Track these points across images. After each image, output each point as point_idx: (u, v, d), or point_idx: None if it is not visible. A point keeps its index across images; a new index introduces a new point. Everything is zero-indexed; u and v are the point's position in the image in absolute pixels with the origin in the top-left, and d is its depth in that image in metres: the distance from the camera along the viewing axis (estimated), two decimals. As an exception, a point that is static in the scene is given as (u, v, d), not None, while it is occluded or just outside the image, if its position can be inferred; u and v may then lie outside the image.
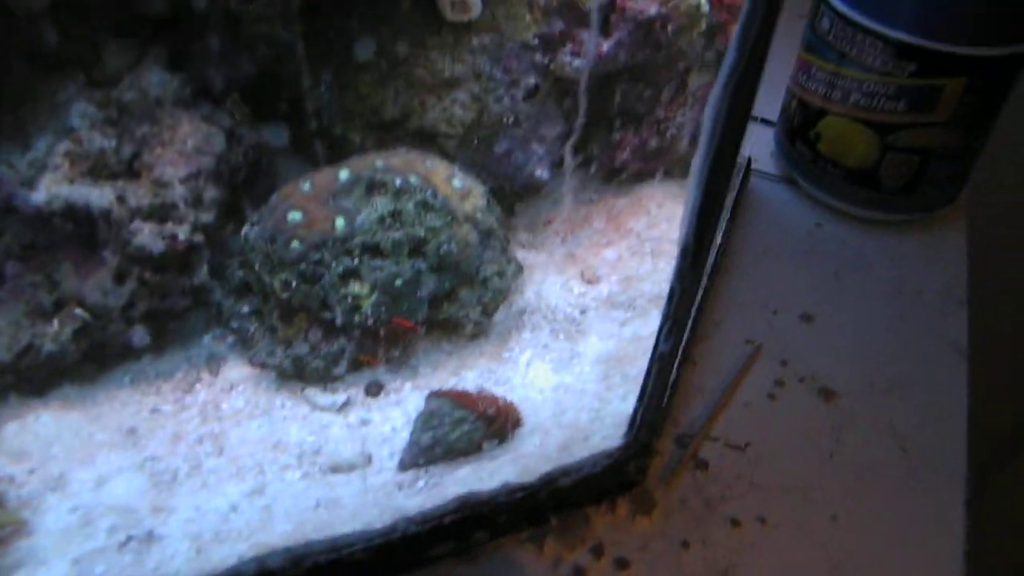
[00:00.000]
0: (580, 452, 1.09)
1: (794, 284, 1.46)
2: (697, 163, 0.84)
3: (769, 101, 1.68)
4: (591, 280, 1.39)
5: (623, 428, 1.10)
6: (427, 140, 1.38)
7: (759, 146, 1.70)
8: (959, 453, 1.20)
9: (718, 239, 1.47)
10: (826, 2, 1.42)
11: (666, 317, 0.98)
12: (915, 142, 1.44)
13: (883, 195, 1.52)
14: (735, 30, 0.76)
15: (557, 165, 1.44)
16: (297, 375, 1.22)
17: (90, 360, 1.20)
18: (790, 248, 1.53)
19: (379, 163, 1.22)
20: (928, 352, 1.35)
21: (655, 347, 1.01)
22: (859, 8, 1.37)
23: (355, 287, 1.18)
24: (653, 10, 1.36)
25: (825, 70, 1.46)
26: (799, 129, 1.56)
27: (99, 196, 1.14)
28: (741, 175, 1.60)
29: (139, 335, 1.20)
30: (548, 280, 1.39)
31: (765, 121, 1.72)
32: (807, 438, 1.22)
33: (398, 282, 1.17)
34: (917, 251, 1.54)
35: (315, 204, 1.19)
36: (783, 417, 1.25)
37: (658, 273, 1.40)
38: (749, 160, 1.63)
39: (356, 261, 1.17)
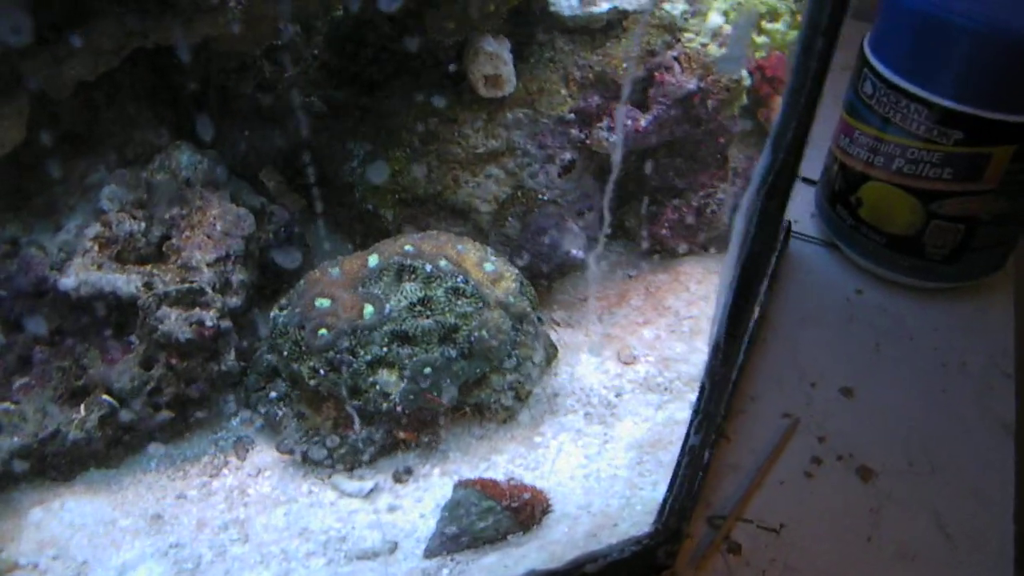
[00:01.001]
0: (608, 539, 1.07)
1: (833, 355, 1.41)
2: (729, 263, 0.82)
3: (812, 158, 1.63)
4: (628, 360, 1.36)
5: (653, 515, 1.07)
6: (460, 216, 1.36)
7: (800, 207, 1.65)
8: (1006, 536, 1.15)
9: (756, 311, 1.43)
10: (869, 65, 1.37)
11: (696, 412, 0.95)
12: (961, 210, 1.39)
13: (927, 263, 1.46)
14: (771, 128, 0.74)
15: (594, 242, 1.41)
16: (324, 462, 1.20)
17: (116, 445, 1.19)
18: (830, 316, 1.48)
19: (409, 247, 1.20)
20: (972, 428, 1.29)
21: (685, 439, 0.99)
22: (903, 73, 1.32)
23: (384, 375, 1.15)
24: (692, 85, 1.34)
25: (868, 135, 1.41)
26: (840, 193, 1.52)
27: (126, 283, 1.13)
28: (781, 238, 1.56)
29: (165, 420, 1.18)
30: (583, 361, 1.36)
31: (807, 180, 1.67)
32: (845, 520, 1.17)
33: (427, 370, 1.15)
34: (961, 320, 1.48)
35: (343, 291, 1.17)
36: (820, 497, 1.20)
37: (696, 354, 1.36)
38: (789, 223, 1.59)
39: (385, 349, 1.15)
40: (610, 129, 1.34)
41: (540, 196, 1.35)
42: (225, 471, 1.22)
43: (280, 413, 1.22)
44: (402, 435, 1.20)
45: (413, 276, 1.18)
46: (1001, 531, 1.15)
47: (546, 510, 1.13)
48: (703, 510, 1.17)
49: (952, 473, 1.23)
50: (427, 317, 1.16)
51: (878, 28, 1.38)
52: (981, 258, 1.46)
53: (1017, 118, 1.27)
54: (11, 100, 1.06)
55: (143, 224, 1.17)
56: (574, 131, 1.35)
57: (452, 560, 1.09)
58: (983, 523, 1.16)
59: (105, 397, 1.14)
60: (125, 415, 1.14)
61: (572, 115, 1.34)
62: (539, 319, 1.29)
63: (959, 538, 1.15)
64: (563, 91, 1.34)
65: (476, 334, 1.17)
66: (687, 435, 0.98)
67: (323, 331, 1.15)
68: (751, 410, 1.32)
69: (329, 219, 1.42)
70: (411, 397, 1.15)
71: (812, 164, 1.64)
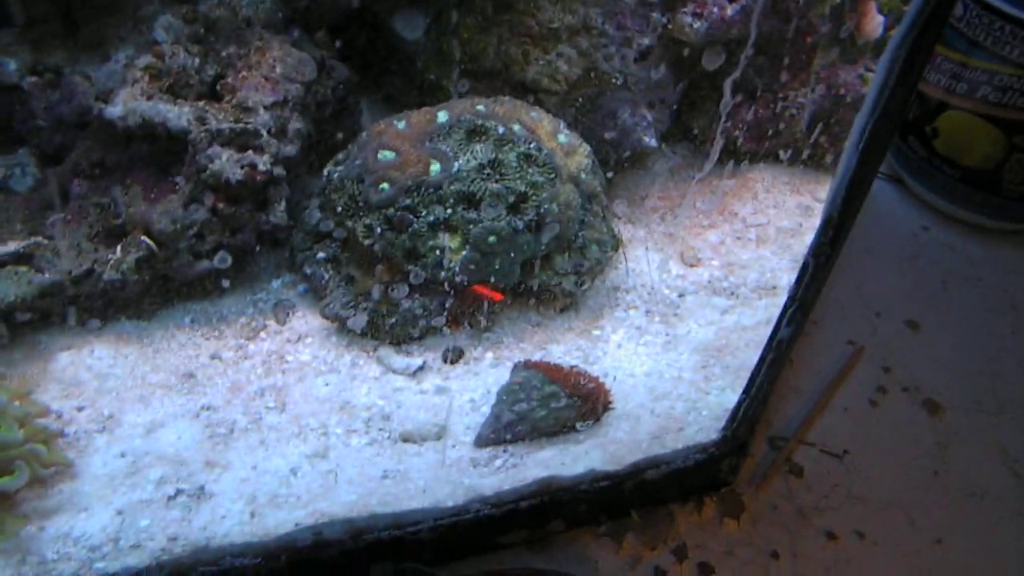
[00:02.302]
0: (673, 443, 1.00)
1: (899, 288, 1.35)
2: (859, 121, 0.75)
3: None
4: (691, 263, 1.28)
5: (721, 422, 1.01)
6: (527, 94, 1.28)
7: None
8: (1079, 481, 1.09)
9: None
10: (961, -16, 1.29)
11: (792, 299, 0.88)
12: (1046, 143, 1.32)
13: (1002, 199, 1.39)
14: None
15: (664, 137, 1.34)
16: (372, 332, 1.12)
17: (151, 294, 1.11)
18: (895, 250, 1.42)
19: (481, 107, 1.12)
20: (1043, 372, 1.24)
21: (774, 332, 0.91)
22: None
23: (445, 239, 1.07)
24: (785, -26, 1.26)
25: (951, 60, 1.33)
26: (914, 123, 1.44)
27: (177, 115, 1.05)
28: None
29: (206, 270, 1.10)
30: (645, 258, 1.28)
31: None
32: (910, 452, 1.12)
33: (492, 239, 1.07)
34: (1034, 264, 1.42)
35: (409, 145, 1.08)
36: (884, 427, 1.15)
37: (763, 261, 1.29)
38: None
39: (449, 211, 1.07)
40: (695, 15, 1.26)
41: (613, 80, 1.26)
42: (263, 335, 1.14)
43: (327, 275, 1.14)
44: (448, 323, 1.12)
45: (484, 137, 1.10)
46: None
47: (607, 406, 1.06)
48: (764, 429, 1.12)
49: (1022, 414, 1.18)
50: (496, 181, 1.08)
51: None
52: (1062, 199, 1.39)
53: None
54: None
55: (198, 60, 1.09)
56: (655, 15, 1.27)
57: (505, 451, 1.02)
58: (1053, 466, 1.11)
59: (144, 238, 1.06)
60: (163, 259, 1.06)
61: (655, -3, 1.26)
62: (607, 204, 1.21)
63: (1029, 480, 1.09)
64: (649, -31, 1.26)
65: (546, 206, 1.09)
66: (776, 327, 0.91)
67: (384, 185, 1.07)
68: (814, 335, 1.26)
69: (387, 90, 1.33)
70: (472, 267, 1.07)
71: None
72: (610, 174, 1.28)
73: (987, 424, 1.16)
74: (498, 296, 1.12)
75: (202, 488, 0.96)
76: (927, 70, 1.37)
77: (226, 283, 1.14)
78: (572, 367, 1.08)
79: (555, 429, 1.03)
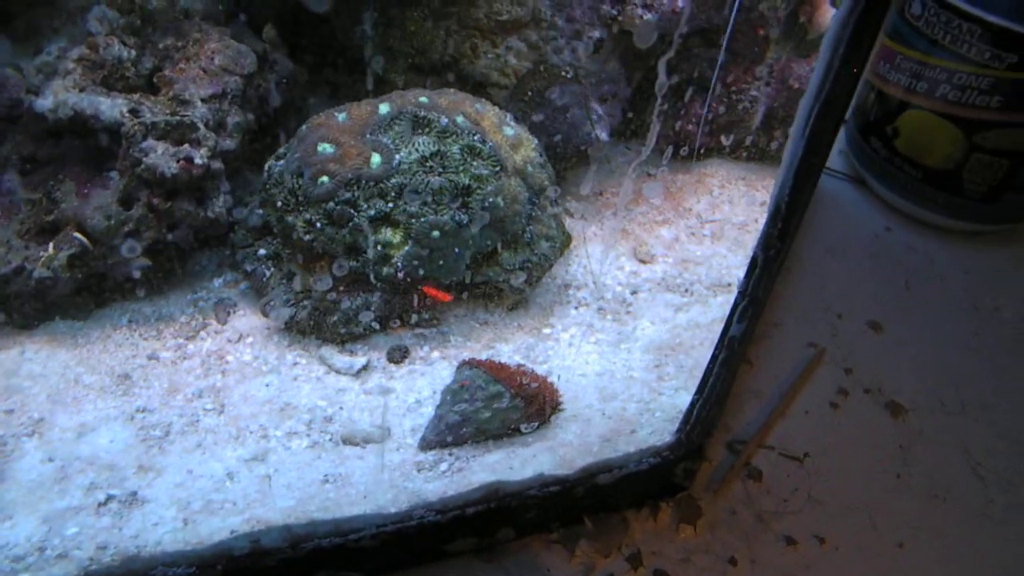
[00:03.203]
0: (625, 447, 0.97)
1: (860, 289, 1.33)
2: (804, 106, 0.73)
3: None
4: (644, 259, 1.27)
5: (675, 424, 0.98)
6: (476, 88, 1.26)
7: (826, 143, 1.58)
8: (1040, 480, 1.07)
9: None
10: (920, -17, 1.28)
11: (742, 294, 0.86)
12: (1005, 143, 1.30)
13: (964, 200, 1.38)
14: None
15: (614, 132, 1.32)
16: (313, 330, 1.09)
17: (85, 293, 1.08)
18: (857, 251, 1.40)
19: (424, 99, 1.09)
20: (1005, 372, 1.22)
21: (725, 328, 0.89)
22: None
23: (387, 234, 1.05)
24: (736, -34, 1.24)
25: (911, 59, 1.32)
26: (875, 124, 1.42)
27: (110, 107, 1.02)
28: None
29: (141, 268, 1.07)
30: (597, 254, 1.26)
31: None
32: (872, 454, 1.10)
33: (435, 233, 1.05)
34: (996, 264, 1.40)
35: (350, 137, 1.06)
36: (846, 429, 1.13)
37: (718, 258, 1.27)
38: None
39: (391, 205, 1.04)
40: (646, 7, 1.24)
41: (563, 74, 1.24)
42: (203, 334, 1.11)
43: (268, 272, 1.11)
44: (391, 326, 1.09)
45: (427, 129, 1.07)
46: (1036, 475, 1.09)
47: (556, 407, 1.04)
48: (722, 434, 1.10)
49: (984, 414, 1.16)
50: (439, 174, 1.05)
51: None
52: (1021, 200, 1.37)
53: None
54: None
55: (134, 52, 1.06)
56: (605, 7, 1.25)
57: (450, 454, 1.00)
58: (1016, 466, 1.09)
59: (77, 235, 1.03)
60: (97, 256, 1.03)
61: (605, -12, 1.25)
62: (556, 199, 1.19)
63: (991, 480, 1.08)
64: (598, -39, 1.24)
65: (491, 200, 1.07)
66: (727, 324, 0.89)
67: (324, 179, 1.04)
68: (774, 337, 1.24)
69: (331, 84, 1.31)
70: (415, 263, 1.05)
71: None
72: (560, 169, 1.26)
73: (950, 425, 1.14)
74: (446, 297, 1.09)
75: (134, 494, 0.93)
76: (887, 69, 1.36)
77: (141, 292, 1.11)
78: (518, 366, 1.05)
79: (501, 431, 1.01)
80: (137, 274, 1.07)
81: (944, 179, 1.37)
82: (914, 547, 1.00)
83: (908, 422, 1.14)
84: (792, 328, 1.25)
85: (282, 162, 1.09)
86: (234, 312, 1.13)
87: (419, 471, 0.99)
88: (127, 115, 1.02)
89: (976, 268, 1.39)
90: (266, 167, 1.11)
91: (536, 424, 1.01)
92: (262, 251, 1.12)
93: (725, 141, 1.40)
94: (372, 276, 1.06)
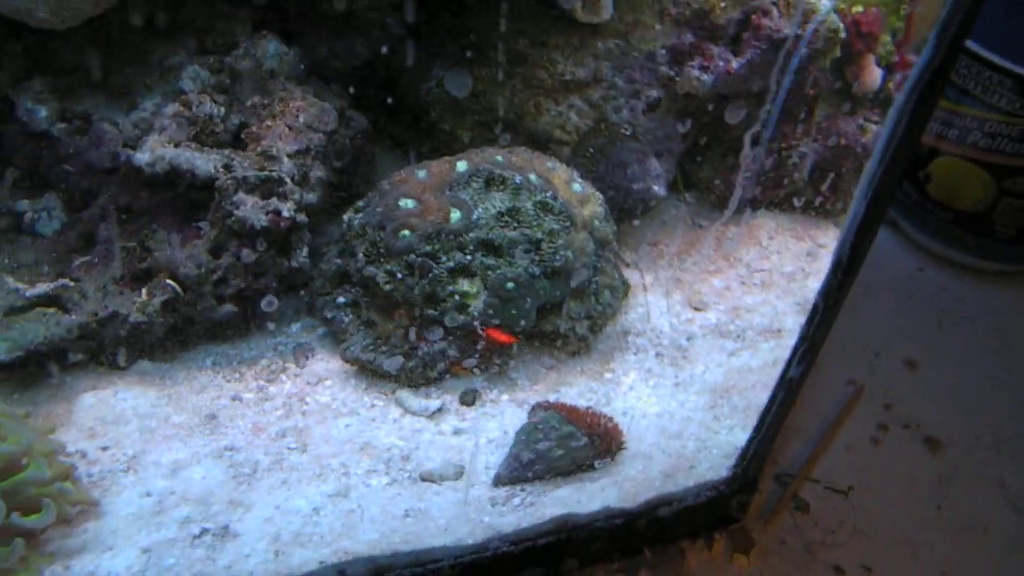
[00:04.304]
0: (685, 481, 1.02)
1: (896, 328, 1.38)
2: (868, 169, 0.78)
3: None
4: (698, 307, 1.31)
5: (730, 460, 1.03)
6: (539, 145, 1.31)
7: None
8: (1076, 514, 1.11)
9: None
10: (951, 36, 1.34)
11: (803, 339, 0.91)
12: (1034, 187, 1.35)
13: (994, 242, 1.42)
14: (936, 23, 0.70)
15: (670, 185, 1.37)
16: (390, 374, 1.14)
17: (173, 336, 1.13)
18: (890, 291, 1.44)
19: (499, 157, 1.15)
20: (1040, 409, 1.26)
21: (784, 371, 0.94)
22: (988, 43, 1.28)
23: (465, 285, 1.10)
24: (788, 30, 1.30)
25: (942, 108, 1.37)
26: (908, 169, 1.48)
27: (205, 162, 1.08)
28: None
29: (227, 314, 1.12)
30: (653, 303, 1.31)
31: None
32: (912, 488, 1.14)
33: (510, 285, 1.10)
34: (1025, 306, 1.45)
35: (430, 193, 1.12)
36: (887, 463, 1.17)
37: (767, 306, 1.32)
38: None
39: (469, 257, 1.10)
40: (702, 68, 1.30)
41: (623, 131, 1.30)
42: (283, 376, 1.16)
43: (347, 319, 1.16)
44: (456, 367, 1.14)
45: (502, 186, 1.13)
46: (1072, 508, 1.12)
47: (621, 446, 1.08)
48: (770, 467, 1.14)
49: (1019, 449, 1.19)
50: (514, 228, 1.11)
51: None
52: (1051, 241, 1.42)
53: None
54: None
55: (223, 109, 1.12)
56: (664, 68, 1.31)
57: (522, 490, 1.04)
58: (1054, 500, 1.13)
59: (169, 282, 1.08)
60: (187, 302, 1.08)
61: (664, 51, 1.30)
62: (618, 251, 1.25)
63: (1028, 512, 1.11)
64: (658, 26, 1.30)
65: (561, 253, 1.12)
66: (786, 367, 0.93)
67: (405, 232, 1.09)
68: (815, 375, 1.27)
69: (399, 139, 1.36)
70: (489, 312, 1.10)
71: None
72: (618, 221, 1.31)
73: (986, 459, 1.17)
74: (510, 339, 1.14)
75: (226, 527, 0.97)
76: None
77: (271, 326, 1.16)
78: (587, 408, 1.10)
79: (571, 468, 1.05)
80: (223, 318, 1.12)
81: (975, 222, 1.42)
82: (956, 577, 1.02)
83: (945, 456, 1.18)
84: (833, 366, 1.29)
85: (362, 215, 1.15)
86: (312, 356, 1.18)
87: (493, 505, 1.03)
88: (220, 170, 1.08)
89: (1006, 308, 1.43)
90: (344, 219, 1.17)
91: (608, 459, 1.06)
92: (341, 299, 1.17)
93: (774, 195, 1.45)
94: (448, 323, 1.11)
